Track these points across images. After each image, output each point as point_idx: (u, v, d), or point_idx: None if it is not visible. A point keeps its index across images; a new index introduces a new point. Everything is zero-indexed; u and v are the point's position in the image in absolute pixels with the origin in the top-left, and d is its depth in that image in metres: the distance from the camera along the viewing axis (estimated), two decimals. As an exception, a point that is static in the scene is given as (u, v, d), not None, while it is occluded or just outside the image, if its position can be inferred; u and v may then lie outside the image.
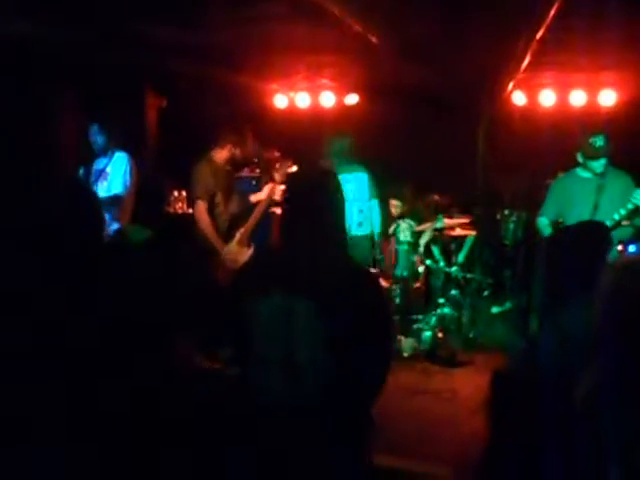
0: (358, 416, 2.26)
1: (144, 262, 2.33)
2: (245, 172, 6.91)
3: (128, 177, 5.36)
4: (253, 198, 5.51)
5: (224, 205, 5.32)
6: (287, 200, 2.45)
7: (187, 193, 5.28)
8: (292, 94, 8.05)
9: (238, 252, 5.28)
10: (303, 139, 7.51)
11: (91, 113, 5.62)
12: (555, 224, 5.17)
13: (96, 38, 5.23)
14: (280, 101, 8.12)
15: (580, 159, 5.05)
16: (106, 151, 5.41)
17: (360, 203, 5.34)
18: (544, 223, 5.25)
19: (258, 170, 5.65)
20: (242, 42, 5.84)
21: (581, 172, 5.11)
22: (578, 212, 4.92)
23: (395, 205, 6.46)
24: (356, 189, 5.35)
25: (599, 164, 4.92)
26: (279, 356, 2.22)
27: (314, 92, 7.97)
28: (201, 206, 5.17)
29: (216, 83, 6.99)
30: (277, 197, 5.36)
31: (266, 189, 5.43)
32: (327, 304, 2.15)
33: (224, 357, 4.73)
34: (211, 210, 5.24)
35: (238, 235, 5.31)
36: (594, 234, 2.85)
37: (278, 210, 6.44)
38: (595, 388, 1.95)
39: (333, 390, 2.17)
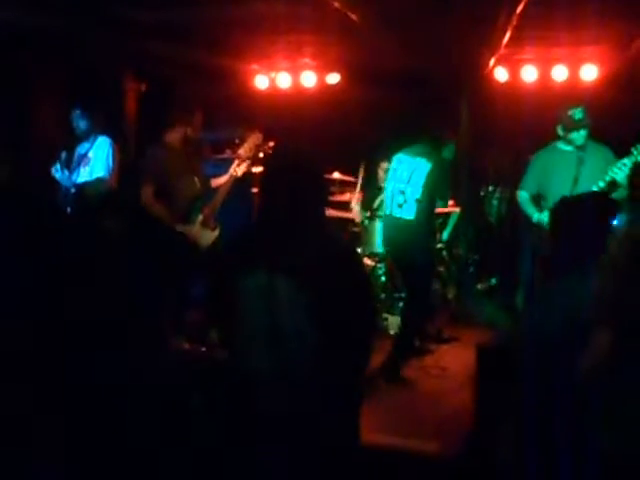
0: (346, 387, 2.27)
1: (126, 246, 2.31)
2: (227, 154, 6.84)
3: (111, 161, 5.33)
4: (214, 182, 5.32)
5: (182, 187, 5.10)
6: (265, 178, 2.44)
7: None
8: (273, 74, 7.99)
9: (202, 234, 5.14)
10: (285, 119, 7.48)
11: (70, 97, 5.56)
12: (536, 197, 5.18)
13: (74, 21, 5.16)
14: (261, 82, 8.06)
15: (560, 132, 5.06)
16: (88, 136, 5.38)
17: (403, 185, 5.04)
18: (524, 197, 5.26)
19: (238, 151, 5.53)
20: (222, 22, 5.78)
21: (561, 145, 5.12)
22: (558, 185, 4.94)
23: (381, 179, 6.41)
24: (406, 171, 5.09)
25: (579, 136, 4.93)
26: (264, 331, 2.23)
27: (295, 72, 7.92)
28: (146, 191, 4.97)
29: (196, 65, 6.93)
30: (239, 173, 5.20)
31: (230, 169, 5.24)
32: (307, 279, 2.17)
33: (211, 340, 4.72)
34: (166, 193, 5.03)
35: (201, 217, 5.13)
36: (602, 206, 2.88)
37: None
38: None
39: (319, 361, 2.18)
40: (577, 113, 4.90)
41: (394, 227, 5.19)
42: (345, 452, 2.31)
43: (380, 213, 6.07)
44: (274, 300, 2.20)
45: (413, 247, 5.08)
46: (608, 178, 4.64)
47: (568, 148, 5.05)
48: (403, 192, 5.06)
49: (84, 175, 5.32)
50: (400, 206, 5.08)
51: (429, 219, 5.18)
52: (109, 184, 5.32)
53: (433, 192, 5.04)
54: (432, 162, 5.00)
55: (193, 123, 5.17)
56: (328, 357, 2.17)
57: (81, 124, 5.36)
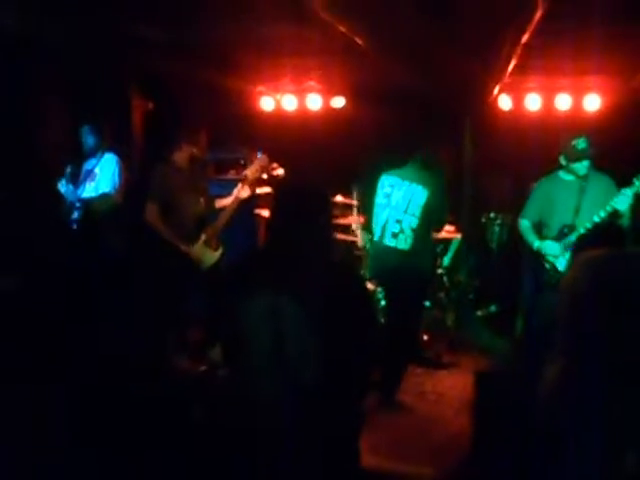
0: (348, 408, 2.28)
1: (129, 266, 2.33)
2: (231, 174, 6.87)
3: (117, 178, 5.39)
4: (219, 203, 5.30)
5: (188, 206, 5.12)
6: (275, 201, 2.47)
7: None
8: (278, 96, 8.05)
9: (204, 254, 5.13)
10: (290, 141, 7.52)
11: (77, 113, 5.63)
12: (537, 225, 5.18)
13: (83, 37, 5.21)
14: (267, 103, 8.12)
15: (563, 161, 5.07)
16: (96, 152, 5.44)
17: (400, 214, 4.90)
18: (526, 225, 5.25)
19: (243, 172, 5.54)
20: (229, 43, 5.85)
21: (563, 174, 5.13)
22: (560, 214, 4.96)
23: None
24: (402, 199, 4.93)
25: (582, 166, 4.95)
26: (268, 352, 2.24)
27: (300, 95, 7.98)
28: (151, 209, 4.99)
29: (202, 85, 6.98)
30: (244, 195, 5.15)
31: (235, 190, 5.20)
32: (313, 301, 2.18)
33: (212, 359, 4.71)
34: (171, 211, 5.06)
35: (204, 236, 5.12)
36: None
37: (264, 212, 6.43)
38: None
39: (322, 382, 2.19)
40: (580, 143, 4.92)
41: (386, 255, 5.05)
42: (346, 474, 2.31)
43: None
44: (279, 321, 2.21)
45: (407, 277, 4.96)
46: (609, 208, 4.66)
47: (570, 177, 5.06)
48: (400, 221, 4.94)
49: (89, 190, 5.37)
50: (395, 235, 4.95)
51: (425, 245, 5.08)
52: (114, 200, 5.36)
53: (430, 219, 4.97)
54: (428, 189, 4.91)
55: (199, 143, 5.20)
56: (331, 378, 2.18)
57: (89, 140, 5.43)
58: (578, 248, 2.85)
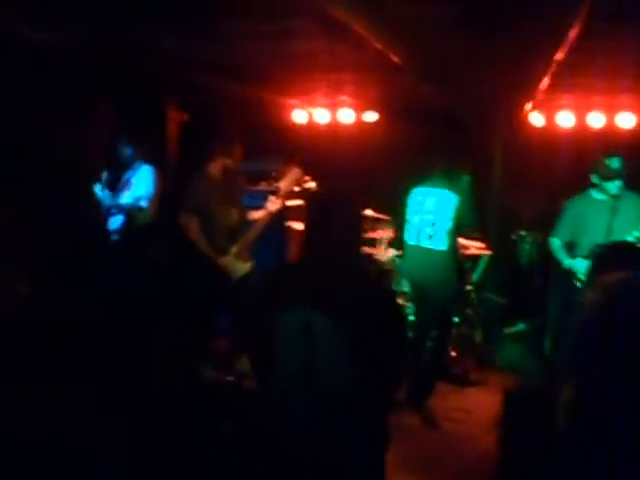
0: (375, 427, 2.29)
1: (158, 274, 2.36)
2: (263, 186, 6.92)
3: (152, 188, 5.53)
4: (251, 216, 5.31)
5: (221, 217, 5.16)
6: (309, 217, 2.49)
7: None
8: (311, 109, 8.12)
9: (234, 265, 5.17)
10: (322, 154, 7.57)
11: (115, 125, 5.78)
12: (569, 245, 5.16)
13: (122, 51, 5.32)
14: (299, 116, 8.18)
15: (595, 180, 5.05)
16: (132, 163, 5.58)
17: (432, 216, 5.06)
18: (557, 244, 5.24)
19: (275, 184, 5.57)
20: (264, 57, 5.91)
21: (595, 194, 5.11)
22: (592, 234, 4.93)
23: None
24: (433, 203, 5.08)
25: (614, 186, 4.92)
26: (300, 368, 2.26)
27: (333, 108, 8.04)
28: (190, 221, 5.04)
29: (237, 98, 7.06)
30: (275, 208, 5.15)
31: (268, 203, 5.20)
32: (346, 318, 2.20)
33: (239, 370, 4.74)
34: (204, 223, 5.10)
35: (235, 248, 5.15)
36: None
37: (295, 224, 6.47)
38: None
39: (352, 399, 2.20)
40: (613, 162, 4.90)
41: (424, 257, 5.16)
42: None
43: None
44: (312, 337, 2.23)
45: (446, 278, 5.12)
46: None
47: (602, 197, 5.04)
48: (433, 224, 5.07)
49: (126, 199, 5.50)
50: (430, 237, 5.08)
51: (456, 251, 5.24)
52: (149, 211, 5.48)
53: (462, 224, 5.10)
54: (458, 194, 5.04)
55: (233, 154, 5.24)
56: (362, 396, 2.19)
57: (126, 151, 5.57)
58: (602, 267, 2.83)
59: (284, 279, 2.49)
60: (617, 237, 4.75)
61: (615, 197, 4.95)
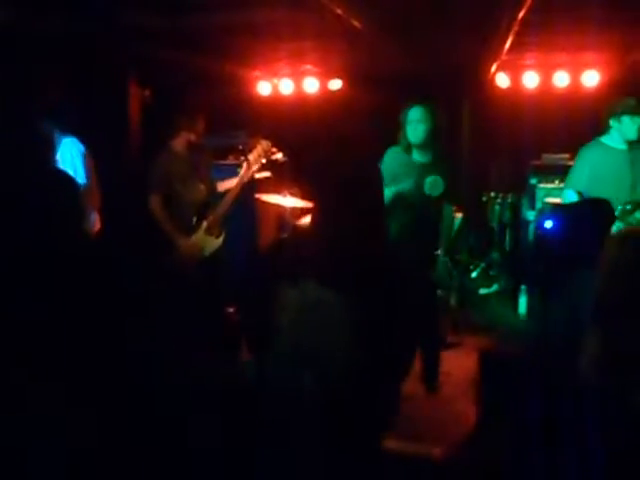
0: (383, 404, 2.26)
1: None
2: (230, 159, 6.85)
3: (79, 163, 4.72)
4: (221, 186, 5.28)
5: (187, 193, 5.08)
6: (334, 189, 2.31)
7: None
8: (275, 80, 8.02)
9: (205, 241, 5.12)
10: (288, 125, 7.51)
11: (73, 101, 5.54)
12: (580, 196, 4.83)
13: (79, 24, 5.18)
14: (264, 88, 8.09)
15: (613, 122, 4.82)
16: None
17: None
18: (571, 197, 4.88)
19: (243, 157, 5.51)
20: (225, 29, 5.80)
21: (608, 140, 4.85)
22: (613, 189, 4.49)
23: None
24: None
25: (634, 125, 4.70)
26: (306, 348, 2.19)
27: (297, 78, 7.95)
28: (153, 200, 4.98)
29: (199, 72, 6.95)
30: (247, 179, 5.14)
31: (239, 175, 5.18)
32: (358, 296, 2.12)
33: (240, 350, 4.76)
34: (171, 200, 5.03)
35: (205, 224, 5.11)
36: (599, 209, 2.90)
37: (264, 197, 6.41)
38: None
39: (361, 381, 2.16)
40: (631, 100, 4.75)
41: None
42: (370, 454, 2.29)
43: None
44: (319, 312, 2.16)
45: None
46: None
47: (617, 146, 4.80)
48: None
49: None
50: None
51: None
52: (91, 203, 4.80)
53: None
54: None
55: (197, 128, 5.17)
56: (371, 377, 2.14)
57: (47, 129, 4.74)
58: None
59: (295, 253, 2.41)
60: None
61: (631, 145, 4.73)
